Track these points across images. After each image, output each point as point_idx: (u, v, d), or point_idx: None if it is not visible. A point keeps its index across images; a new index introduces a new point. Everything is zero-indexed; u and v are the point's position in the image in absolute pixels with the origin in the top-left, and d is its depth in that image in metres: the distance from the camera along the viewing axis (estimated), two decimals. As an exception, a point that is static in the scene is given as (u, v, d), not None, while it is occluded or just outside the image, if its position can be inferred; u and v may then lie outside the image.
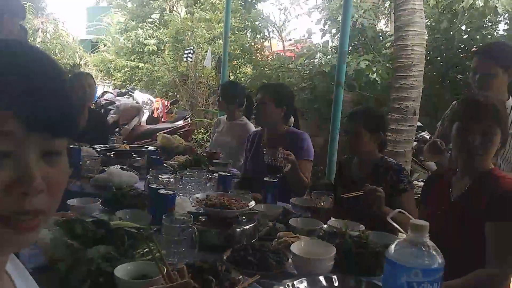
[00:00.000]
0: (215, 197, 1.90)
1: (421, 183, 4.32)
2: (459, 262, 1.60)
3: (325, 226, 1.96)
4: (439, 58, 6.78)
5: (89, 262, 1.32)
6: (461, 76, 6.71)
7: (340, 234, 1.70)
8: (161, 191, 1.85)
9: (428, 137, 6.43)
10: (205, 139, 9.30)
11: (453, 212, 1.84)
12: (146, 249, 1.49)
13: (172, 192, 1.85)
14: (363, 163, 2.51)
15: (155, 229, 1.74)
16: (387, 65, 6.52)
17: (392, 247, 0.93)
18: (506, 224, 1.66)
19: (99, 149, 3.14)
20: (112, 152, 3.14)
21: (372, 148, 2.47)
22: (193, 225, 1.63)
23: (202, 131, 10.13)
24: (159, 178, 2.21)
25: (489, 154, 1.79)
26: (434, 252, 0.91)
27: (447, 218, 1.86)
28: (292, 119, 3.04)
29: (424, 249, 0.90)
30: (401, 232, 0.96)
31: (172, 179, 2.21)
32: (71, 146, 2.78)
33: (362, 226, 1.93)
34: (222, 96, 3.84)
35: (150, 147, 3.26)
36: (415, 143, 5.88)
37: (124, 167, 2.83)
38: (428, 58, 6.21)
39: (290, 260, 1.61)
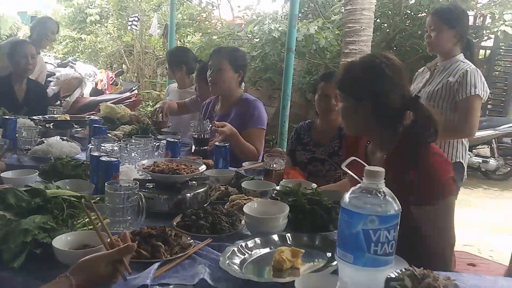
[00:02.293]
0: (163, 163, 1.81)
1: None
2: None
3: (278, 188, 1.92)
4: (386, 24, 6.86)
5: (24, 234, 1.21)
6: (408, 42, 6.85)
7: (293, 192, 1.66)
8: (103, 158, 1.73)
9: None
10: (155, 112, 9.03)
11: None
12: (88, 219, 1.40)
13: (115, 159, 1.74)
14: (328, 127, 2.51)
15: (97, 198, 1.65)
16: (337, 32, 6.53)
17: (347, 195, 0.89)
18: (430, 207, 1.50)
19: (37, 120, 2.93)
20: (52, 123, 2.94)
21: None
22: (139, 192, 1.54)
23: (151, 104, 9.85)
24: (102, 147, 2.08)
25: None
26: (390, 199, 0.88)
27: None
28: (243, 84, 2.94)
29: (379, 195, 0.87)
30: (357, 180, 0.93)
31: (116, 148, 2.09)
32: (6, 117, 2.58)
33: (314, 184, 1.91)
34: (170, 63, 3.68)
35: (92, 117, 3.08)
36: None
37: (65, 138, 2.66)
38: (376, 24, 6.27)
39: (243, 221, 1.56)
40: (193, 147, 2.52)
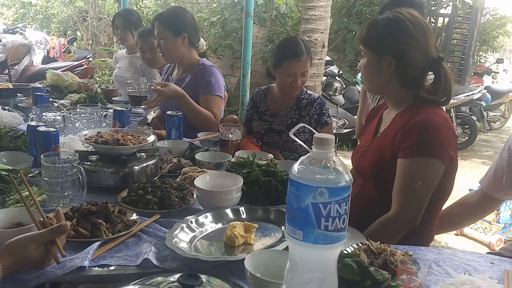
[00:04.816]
0: (107, 133, 1.68)
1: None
2: (376, 202, 1.52)
3: (234, 159, 1.84)
4: (346, -10, 6.77)
5: None
6: (368, 8, 6.80)
7: (247, 164, 1.58)
8: (41, 128, 1.58)
9: (336, 71, 6.52)
10: (111, 81, 8.72)
11: (374, 146, 1.61)
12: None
13: (53, 129, 1.59)
14: (284, 96, 2.40)
15: (36, 172, 1.51)
16: (297, -2, 6.39)
17: (295, 166, 0.81)
18: (407, 160, 1.43)
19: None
20: (-8, 92, 2.73)
21: None
22: (80, 165, 1.41)
23: (107, 73, 9.46)
24: (44, 117, 1.93)
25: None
26: (340, 169, 0.80)
27: (368, 153, 1.63)
28: (203, 41, 2.69)
29: (329, 165, 0.79)
30: (304, 147, 0.86)
31: (58, 117, 1.93)
32: None
33: (270, 155, 1.84)
34: (118, 27, 3.46)
35: (36, 85, 2.87)
36: (324, 77, 5.94)
37: (6, 107, 2.48)
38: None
39: (195, 195, 1.47)
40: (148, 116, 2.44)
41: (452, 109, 6.51)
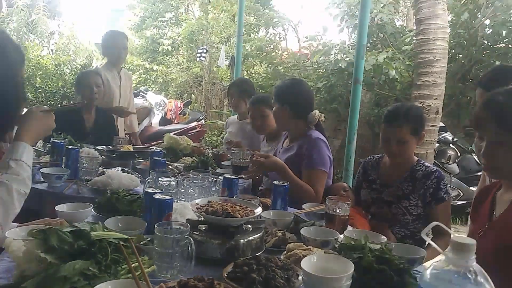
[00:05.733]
0: (217, 203, 1.69)
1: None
2: None
3: (341, 236, 1.73)
4: (461, 55, 6.47)
5: (63, 281, 1.13)
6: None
7: (358, 247, 1.47)
8: (157, 195, 1.65)
9: (450, 138, 6.12)
10: (219, 142, 9.16)
11: (494, 232, 1.49)
12: (133, 264, 1.30)
13: (168, 197, 1.65)
14: (397, 165, 2.32)
15: (148, 239, 1.56)
16: (408, 62, 6.25)
17: (428, 272, 0.71)
18: None
19: (101, 150, 2.97)
20: (114, 153, 2.96)
21: (413, 151, 2.31)
22: (190, 236, 1.42)
23: (216, 133, 9.98)
24: (159, 181, 2.02)
25: None
26: (482, 280, 0.68)
27: (488, 239, 1.49)
28: (314, 114, 2.65)
29: (469, 276, 0.68)
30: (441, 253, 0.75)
31: (173, 182, 2.01)
32: (68, 147, 2.61)
33: (384, 237, 1.70)
34: (233, 95, 3.66)
35: (155, 148, 3.08)
36: (437, 144, 5.60)
37: (126, 169, 2.66)
38: (450, 55, 5.92)
39: (300, 277, 1.39)
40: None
41: None
